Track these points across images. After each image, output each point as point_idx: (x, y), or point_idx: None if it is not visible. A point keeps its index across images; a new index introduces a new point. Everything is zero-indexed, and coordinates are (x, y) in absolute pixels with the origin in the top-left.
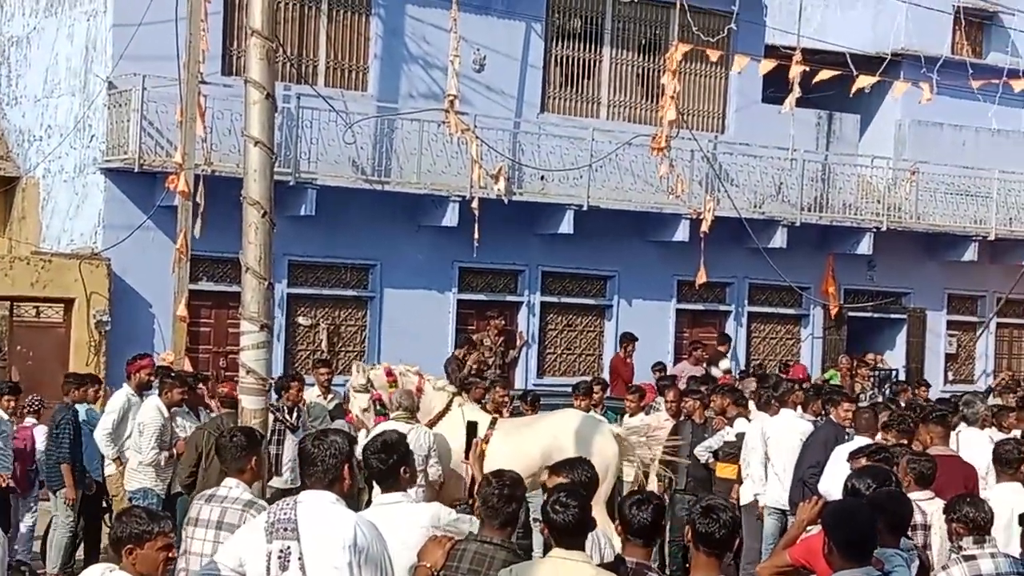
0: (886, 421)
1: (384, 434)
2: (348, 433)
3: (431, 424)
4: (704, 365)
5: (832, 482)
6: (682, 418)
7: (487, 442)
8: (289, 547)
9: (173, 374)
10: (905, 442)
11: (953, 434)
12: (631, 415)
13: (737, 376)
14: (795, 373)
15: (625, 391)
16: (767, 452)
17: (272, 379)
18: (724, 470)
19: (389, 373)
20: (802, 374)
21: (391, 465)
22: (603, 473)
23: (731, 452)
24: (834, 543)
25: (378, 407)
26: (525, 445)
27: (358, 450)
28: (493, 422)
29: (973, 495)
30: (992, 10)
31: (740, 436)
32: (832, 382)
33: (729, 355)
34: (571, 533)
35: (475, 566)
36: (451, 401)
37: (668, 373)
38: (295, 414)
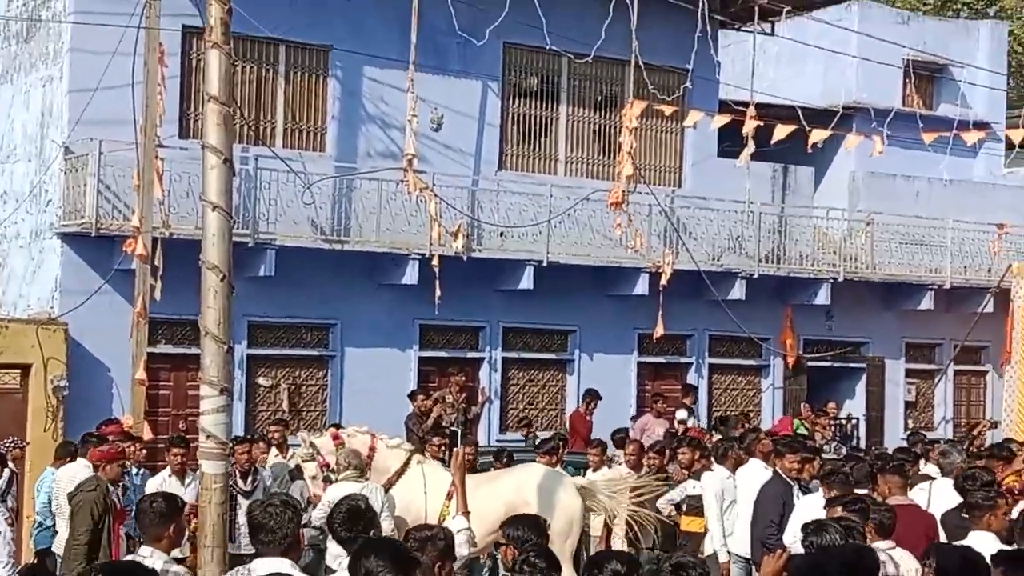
0: (826, 472)
1: (349, 500)
2: (294, 499)
3: (389, 484)
4: (669, 418)
5: (797, 535)
6: (643, 472)
7: (450, 499)
8: None
9: (173, 437)
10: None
11: (926, 485)
12: (594, 469)
13: (702, 428)
14: (781, 427)
15: (584, 446)
16: (730, 504)
17: (233, 443)
18: (690, 523)
19: (336, 437)
20: (788, 428)
21: (358, 532)
22: (567, 527)
23: (696, 505)
24: None
25: (326, 473)
26: (488, 501)
27: (316, 516)
28: (362, 475)
29: (951, 544)
30: (941, 63)
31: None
32: (799, 432)
33: (692, 405)
34: None
35: None
36: (409, 459)
37: (636, 426)
38: (249, 478)
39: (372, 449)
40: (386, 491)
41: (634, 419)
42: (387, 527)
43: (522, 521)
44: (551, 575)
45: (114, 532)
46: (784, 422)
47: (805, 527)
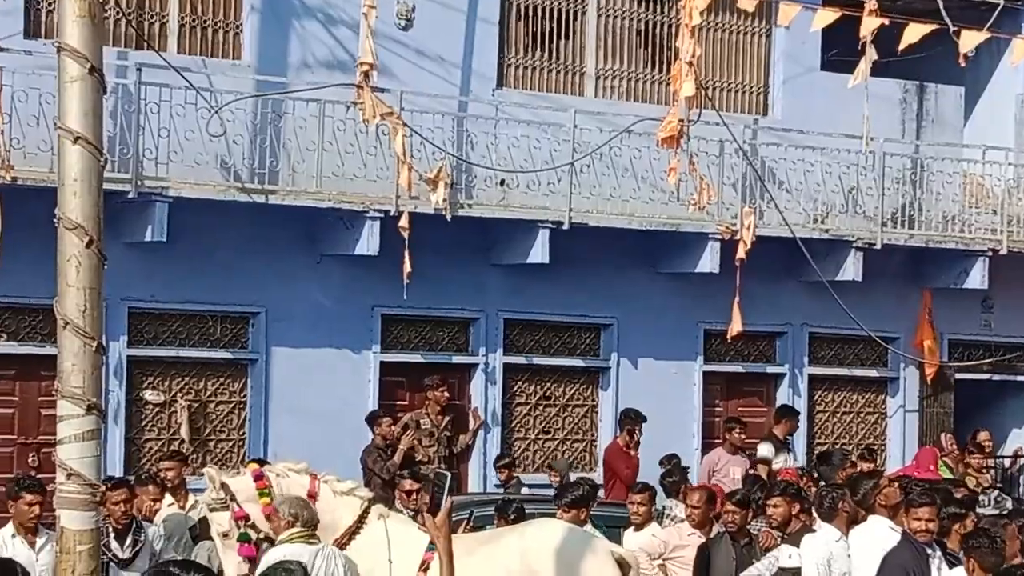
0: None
1: (282, 567)
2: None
3: (339, 545)
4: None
5: None
6: (715, 533)
7: (425, 571)
8: None
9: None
10: None
11: None
12: (636, 528)
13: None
14: (920, 466)
15: (625, 494)
16: None
17: (105, 484)
18: None
19: (259, 477)
20: (930, 468)
21: None
22: None
23: None
24: None
25: (243, 530)
26: (482, 574)
27: None
28: (311, 534)
29: None
30: None
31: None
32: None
33: (788, 437)
34: None
35: None
36: (366, 510)
37: (702, 466)
38: (128, 539)
39: (312, 496)
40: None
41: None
42: None
43: None
44: None
45: None
46: (925, 457)
47: None
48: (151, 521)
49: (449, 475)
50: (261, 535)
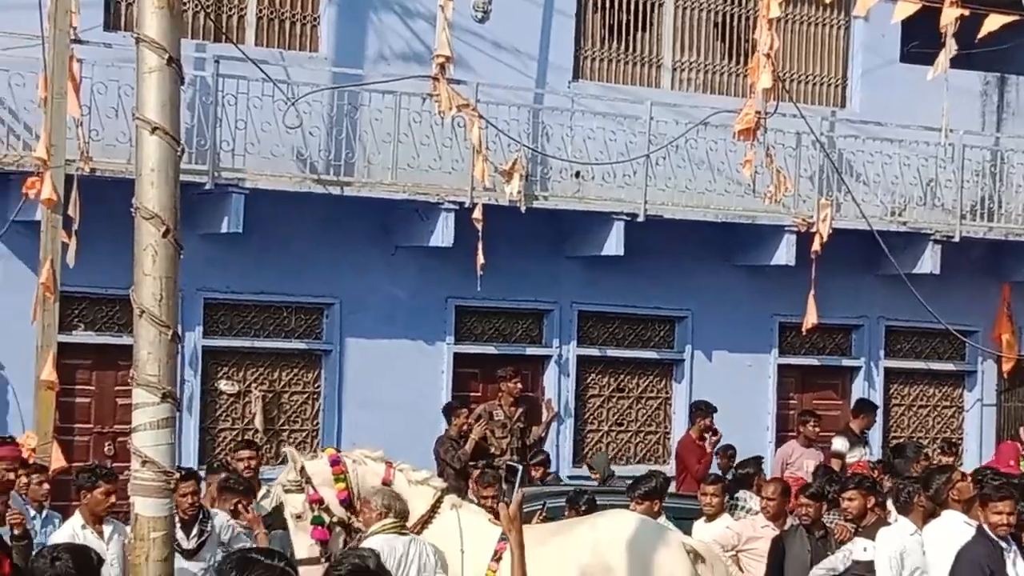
0: None
1: (353, 556)
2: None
3: (417, 530)
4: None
5: None
6: (789, 525)
7: (498, 560)
8: None
9: (92, 468)
10: None
11: None
12: (708, 520)
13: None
14: (1001, 459)
15: (697, 486)
16: (913, 573)
17: (179, 471)
18: None
19: (335, 462)
20: (1013, 458)
21: None
22: None
23: (864, 575)
24: None
25: (317, 513)
26: (554, 564)
27: None
28: (403, 525)
29: None
30: None
31: None
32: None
33: (865, 431)
34: None
35: None
36: (439, 500)
37: (775, 459)
38: (194, 530)
39: (387, 484)
40: None
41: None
42: None
43: None
44: None
45: None
46: (1005, 452)
47: None
48: (219, 511)
49: (520, 468)
50: (334, 519)
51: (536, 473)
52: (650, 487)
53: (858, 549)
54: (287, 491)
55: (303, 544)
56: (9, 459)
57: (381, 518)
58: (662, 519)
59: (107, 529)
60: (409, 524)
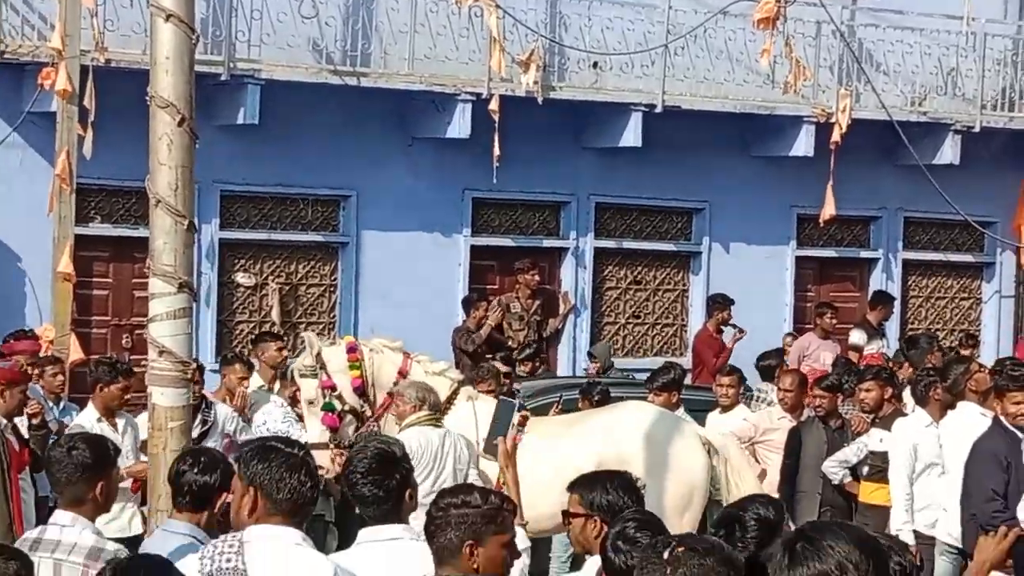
0: None
1: (377, 444)
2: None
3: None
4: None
5: None
6: (806, 416)
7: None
8: None
9: (111, 363)
10: None
11: None
12: (723, 411)
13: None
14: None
15: (714, 379)
16: (927, 467)
17: (196, 362)
18: (874, 493)
19: (352, 349)
20: None
21: (391, 491)
22: (686, 498)
23: (883, 467)
24: None
25: (328, 399)
26: (570, 455)
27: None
28: (523, 422)
29: None
30: None
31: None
32: None
33: (882, 323)
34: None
35: None
36: (455, 392)
37: (792, 350)
38: (196, 420)
39: (403, 374)
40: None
41: (791, 339)
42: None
43: (607, 480)
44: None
45: (11, 485)
46: None
47: None
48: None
49: (516, 403)
50: (346, 407)
51: (524, 368)
52: (668, 379)
53: (874, 440)
54: (302, 375)
55: (313, 429)
56: (28, 352)
57: (415, 410)
58: (680, 411)
59: (120, 423)
60: None
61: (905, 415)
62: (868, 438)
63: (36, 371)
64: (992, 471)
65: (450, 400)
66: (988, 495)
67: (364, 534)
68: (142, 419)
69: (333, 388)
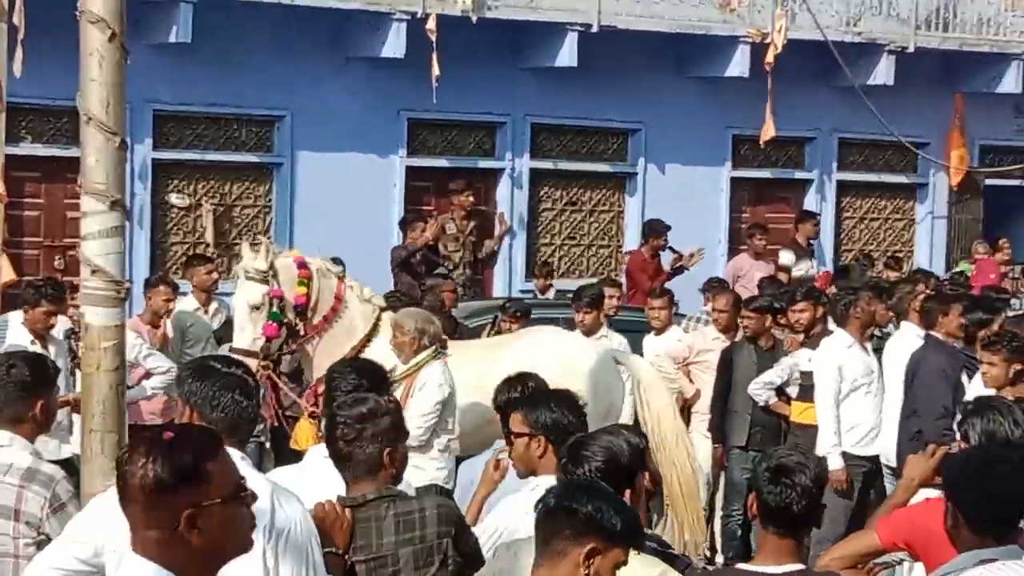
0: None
1: (359, 360)
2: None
3: (357, 351)
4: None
5: None
6: (739, 338)
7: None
8: None
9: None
10: None
11: None
12: (657, 333)
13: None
14: (982, 272)
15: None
16: (859, 384)
17: (129, 282)
18: (804, 412)
19: (302, 265)
20: (992, 270)
21: (374, 450)
22: (604, 418)
23: (810, 386)
24: (962, 510)
25: (274, 310)
26: (486, 382)
27: None
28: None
29: None
30: None
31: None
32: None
33: (811, 241)
34: None
35: (404, 532)
36: (378, 318)
37: (725, 272)
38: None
39: (339, 298)
40: None
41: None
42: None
43: (550, 398)
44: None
45: None
46: (985, 267)
47: (965, 407)
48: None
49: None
50: (285, 320)
51: (537, 283)
52: (591, 296)
53: (803, 360)
54: (249, 278)
55: (247, 335)
56: None
57: (416, 343)
58: (604, 329)
59: (52, 348)
60: (354, 342)
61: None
62: (795, 358)
63: None
64: (942, 388)
65: (375, 327)
66: (939, 412)
67: (309, 452)
68: None
69: (281, 298)
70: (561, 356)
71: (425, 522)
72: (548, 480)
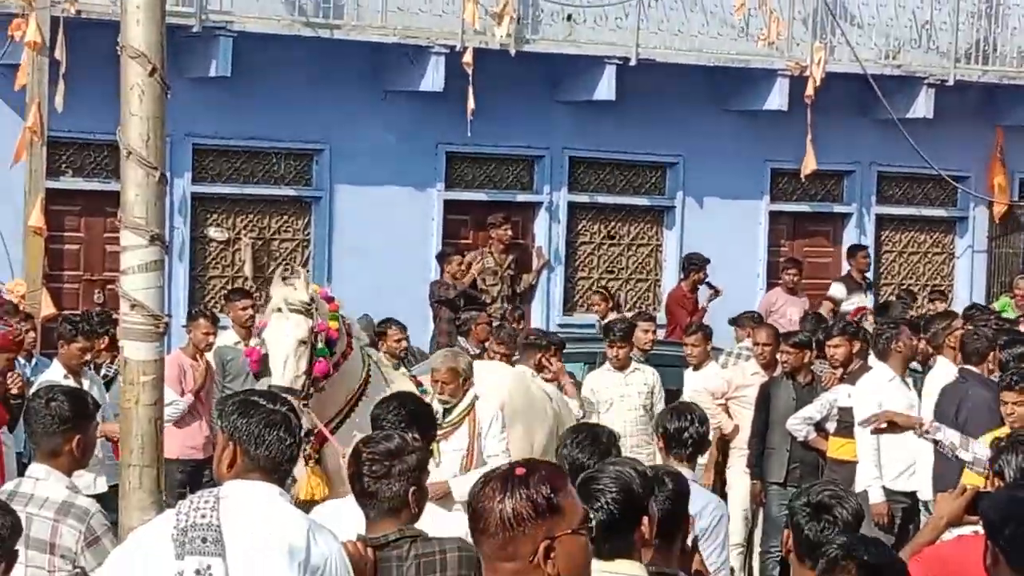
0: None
1: (402, 397)
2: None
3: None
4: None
5: None
6: (777, 373)
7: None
8: (209, 566)
9: (74, 320)
10: None
11: None
12: (695, 368)
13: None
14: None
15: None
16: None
17: (168, 316)
18: (842, 448)
19: (329, 299)
20: None
21: (399, 488)
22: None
23: (848, 422)
24: (1002, 548)
25: (321, 345)
26: None
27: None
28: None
29: None
30: None
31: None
32: (1005, 315)
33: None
34: (616, 527)
35: (425, 574)
36: (369, 368)
37: (759, 306)
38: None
39: (350, 336)
40: (348, 413)
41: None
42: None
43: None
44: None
45: None
46: None
47: (996, 444)
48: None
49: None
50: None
51: (597, 313)
52: (624, 328)
53: (842, 396)
54: (293, 311)
55: (290, 372)
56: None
57: (468, 381)
58: (635, 363)
59: (85, 383)
60: (351, 388)
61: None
62: (834, 393)
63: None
64: (989, 424)
65: (367, 378)
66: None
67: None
68: None
69: (326, 332)
70: (509, 389)
71: (446, 565)
72: None
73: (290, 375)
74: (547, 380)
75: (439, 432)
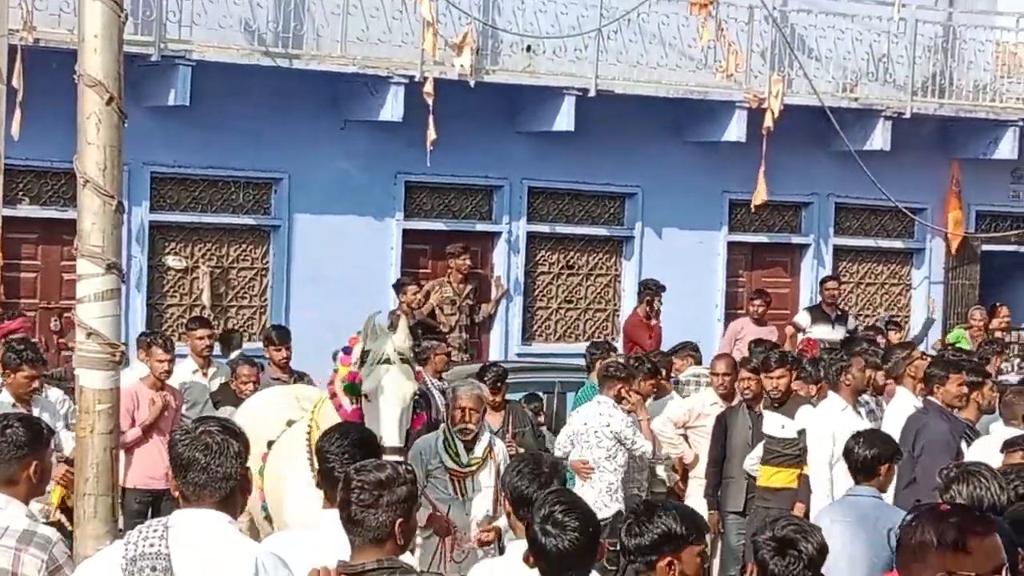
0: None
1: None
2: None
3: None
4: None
5: None
6: (735, 402)
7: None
8: None
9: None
10: None
11: None
12: (656, 399)
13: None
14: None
15: None
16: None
17: (124, 345)
18: (774, 477)
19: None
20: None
21: (386, 518)
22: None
23: (783, 452)
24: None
25: (418, 397)
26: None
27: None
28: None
29: None
30: None
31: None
32: (959, 346)
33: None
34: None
35: None
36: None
37: (725, 336)
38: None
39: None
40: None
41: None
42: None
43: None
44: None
45: None
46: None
47: (946, 474)
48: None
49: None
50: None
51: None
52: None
53: (772, 425)
54: (404, 361)
55: (404, 429)
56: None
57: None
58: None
59: (35, 410)
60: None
61: (808, 401)
62: (771, 423)
63: None
64: (944, 458)
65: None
66: (937, 483)
67: (321, 514)
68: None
69: (359, 382)
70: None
71: None
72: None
73: (393, 435)
74: (626, 411)
75: (466, 470)
